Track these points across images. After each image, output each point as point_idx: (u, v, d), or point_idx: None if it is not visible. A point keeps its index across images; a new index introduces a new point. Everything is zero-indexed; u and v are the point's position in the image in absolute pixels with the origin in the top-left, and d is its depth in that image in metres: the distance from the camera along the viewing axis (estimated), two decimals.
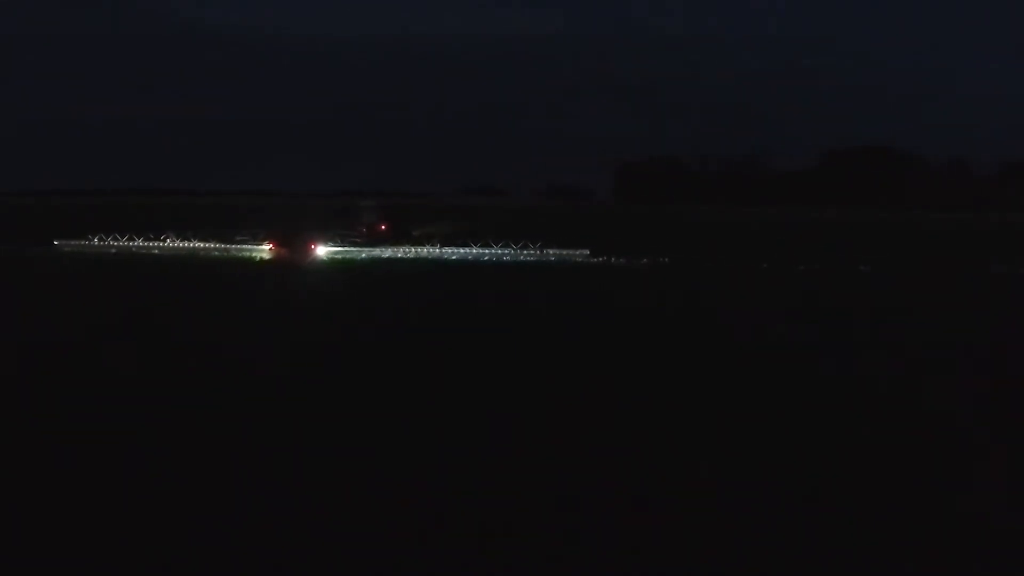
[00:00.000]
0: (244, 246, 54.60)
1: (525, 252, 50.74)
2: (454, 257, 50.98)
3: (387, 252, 52.29)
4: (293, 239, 53.46)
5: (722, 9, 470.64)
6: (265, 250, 53.30)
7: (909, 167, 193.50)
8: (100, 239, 55.91)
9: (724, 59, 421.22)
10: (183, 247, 55.06)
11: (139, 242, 55.71)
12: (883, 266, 48.19)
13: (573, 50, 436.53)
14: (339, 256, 51.67)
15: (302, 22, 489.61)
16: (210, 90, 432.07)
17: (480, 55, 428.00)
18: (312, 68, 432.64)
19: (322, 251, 52.51)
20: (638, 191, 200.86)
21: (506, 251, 50.83)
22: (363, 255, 51.85)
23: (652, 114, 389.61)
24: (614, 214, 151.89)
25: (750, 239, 79.18)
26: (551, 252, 50.62)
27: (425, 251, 51.74)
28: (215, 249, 54.34)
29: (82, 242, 56.09)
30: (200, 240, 56.00)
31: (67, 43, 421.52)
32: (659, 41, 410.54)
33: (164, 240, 55.89)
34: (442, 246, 51.78)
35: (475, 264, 47.64)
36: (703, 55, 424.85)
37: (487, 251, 51.08)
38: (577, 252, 50.97)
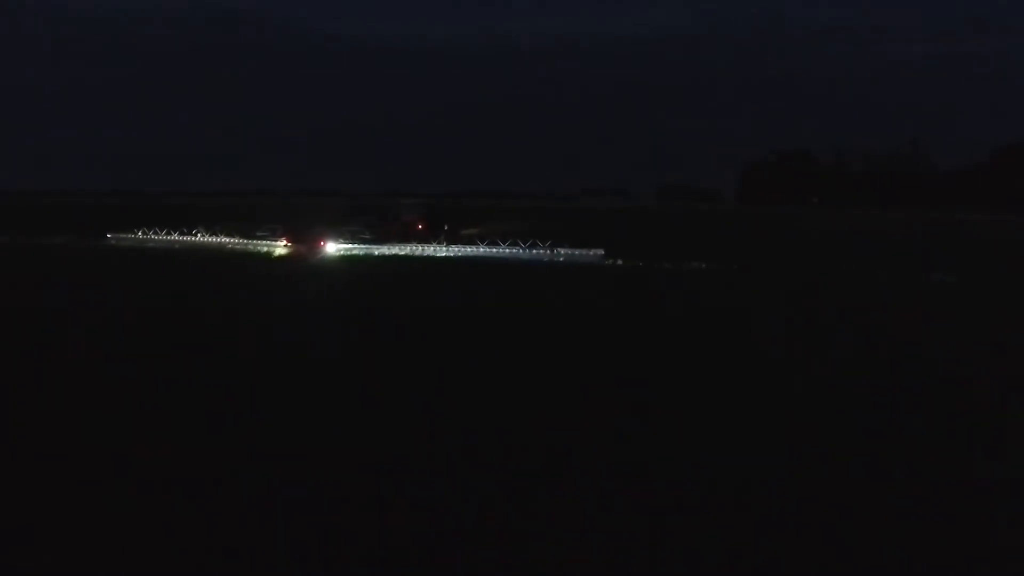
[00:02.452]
0: (263, 242, 54.98)
1: (554, 252, 46.43)
2: (468, 255, 47.67)
3: (405, 250, 49.75)
4: (304, 236, 53.32)
5: None
6: (281, 246, 53.48)
7: None
8: (144, 233, 59.76)
9: (865, 49, 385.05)
10: (209, 242, 57.00)
11: (175, 237, 58.68)
12: None
13: (702, 47, 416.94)
14: (347, 254, 49.79)
15: (412, 25, 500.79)
16: (324, 93, 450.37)
17: (605, 54, 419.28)
18: (429, 69, 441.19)
19: (332, 248, 51.06)
20: (766, 191, 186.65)
21: (535, 251, 46.87)
22: (375, 253, 49.76)
23: (785, 110, 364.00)
24: (731, 214, 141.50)
25: (890, 244, 67.86)
26: (575, 252, 46.10)
27: (446, 250, 48.83)
28: (236, 244, 55.57)
29: (130, 236, 59.99)
30: (225, 236, 56.95)
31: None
32: (792, 32, 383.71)
33: (195, 235, 58.26)
34: (480, 245, 48.53)
35: (483, 263, 44.02)
36: (840, 45, 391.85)
37: (512, 250, 47.47)
38: (591, 252, 45.96)
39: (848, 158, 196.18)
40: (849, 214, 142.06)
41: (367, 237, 53.14)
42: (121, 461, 10.75)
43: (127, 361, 17.25)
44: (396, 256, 48.28)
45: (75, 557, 7.98)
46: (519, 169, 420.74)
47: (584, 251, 46.16)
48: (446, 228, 63.12)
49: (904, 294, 32.11)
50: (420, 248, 49.73)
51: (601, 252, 45.76)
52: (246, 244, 55.00)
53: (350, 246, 51.60)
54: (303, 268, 42.63)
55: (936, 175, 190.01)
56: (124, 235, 60.42)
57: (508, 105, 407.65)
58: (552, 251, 46.57)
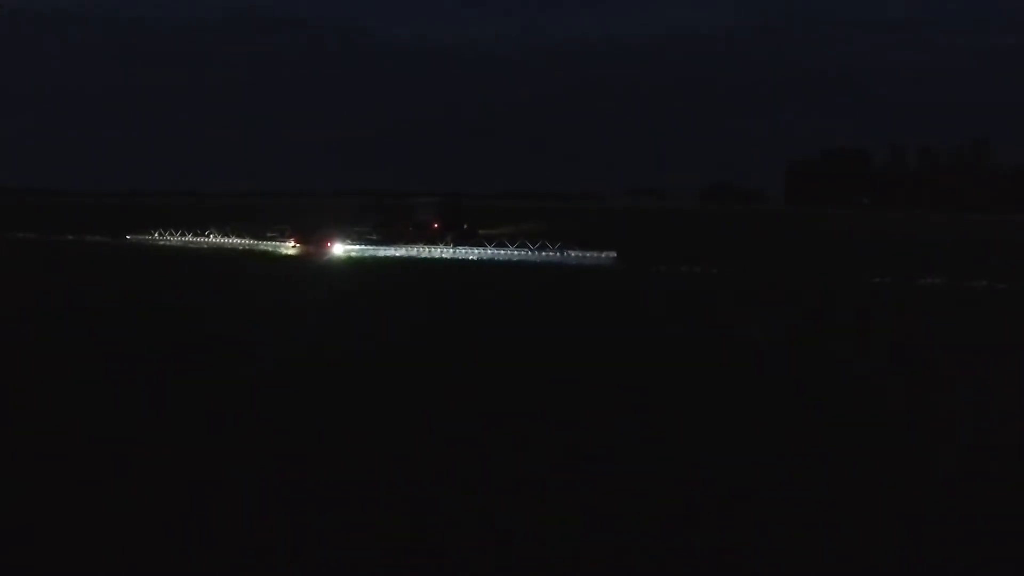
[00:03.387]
0: (273, 243, 54.00)
1: (563, 255, 44.19)
2: (472, 258, 45.66)
3: (412, 251, 47.95)
4: (312, 237, 52.07)
5: None
6: (289, 246, 52.50)
7: None
8: (159, 234, 59.73)
9: (923, 43, 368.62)
10: (221, 242, 56.32)
11: (188, 237, 58.22)
12: None
13: (747, 44, 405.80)
14: (351, 256, 48.19)
15: (454, 29, 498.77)
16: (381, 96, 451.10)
17: (650, 52, 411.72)
18: (473, 70, 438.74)
19: (338, 249, 49.63)
20: (813, 191, 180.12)
21: (544, 253, 44.60)
22: (380, 254, 48.16)
23: (836, 108, 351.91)
24: (770, 215, 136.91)
25: (943, 248, 63.05)
26: (585, 255, 43.72)
27: (453, 251, 46.97)
28: (245, 244, 54.73)
29: (146, 237, 60.07)
30: (236, 236, 56.18)
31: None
32: (841, 27, 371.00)
33: (207, 236, 57.79)
34: (487, 247, 46.55)
35: (482, 266, 41.97)
36: (895, 39, 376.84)
37: (520, 252, 45.27)
38: (602, 255, 43.57)
39: (904, 156, 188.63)
40: (902, 215, 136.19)
41: (373, 238, 51.66)
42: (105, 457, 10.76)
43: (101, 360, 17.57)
44: (397, 258, 46.30)
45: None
46: (562, 169, 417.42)
47: (596, 254, 43.77)
48: (465, 227, 61.21)
49: (928, 301, 28.93)
50: (427, 249, 47.87)
51: (613, 255, 43.33)
52: (255, 245, 54.18)
53: (356, 247, 50.03)
54: (300, 271, 41.18)
55: (1001, 173, 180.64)
56: (142, 236, 60.27)
57: (551, 105, 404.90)
58: (562, 253, 44.31)
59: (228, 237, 56.44)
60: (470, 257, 45.80)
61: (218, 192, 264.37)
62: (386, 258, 46.36)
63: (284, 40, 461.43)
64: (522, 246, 45.43)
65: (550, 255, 44.31)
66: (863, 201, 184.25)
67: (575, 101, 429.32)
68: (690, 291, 31.12)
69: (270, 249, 52.32)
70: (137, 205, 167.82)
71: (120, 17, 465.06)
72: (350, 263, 43.86)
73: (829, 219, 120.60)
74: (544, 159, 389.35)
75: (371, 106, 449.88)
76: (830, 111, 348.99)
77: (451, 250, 47.13)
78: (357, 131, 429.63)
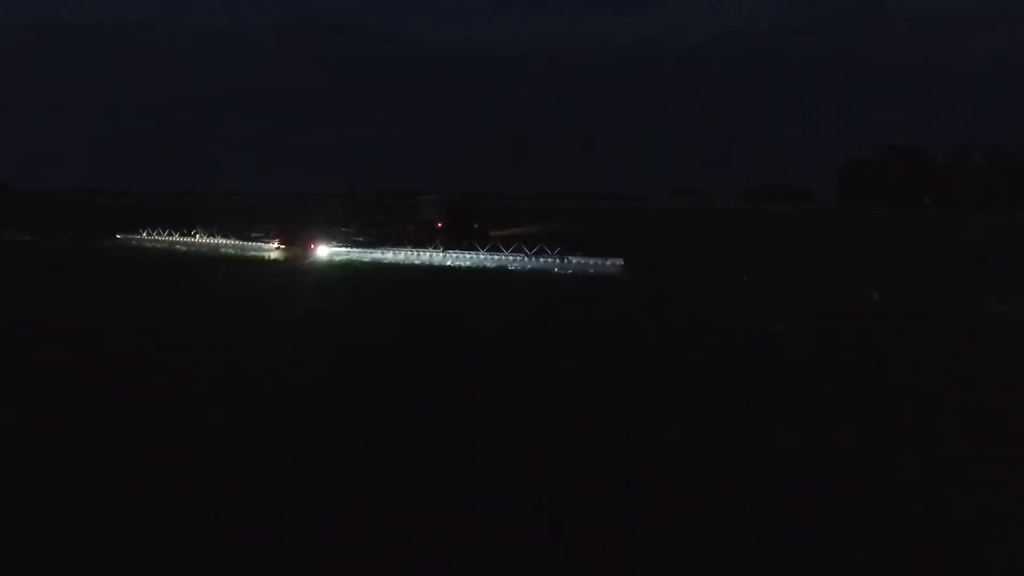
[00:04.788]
0: (257, 243, 50.11)
1: (564, 261, 38.61)
2: (460, 264, 40.67)
3: (399, 255, 43.16)
4: (295, 238, 47.95)
5: None
6: (272, 248, 48.40)
7: None
8: (147, 234, 57.02)
9: (991, 36, 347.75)
10: (205, 243, 52.90)
11: (174, 237, 55.16)
12: None
13: (800, 39, 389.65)
14: (334, 259, 43.65)
15: (497, 28, 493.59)
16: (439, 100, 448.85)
17: (701, 50, 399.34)
18: (516, 71, 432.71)
19: (323, 252, 45.15)
20: (869, 191, 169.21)
21: (543, 259, 38.97)
22: (366, 259, 43.55)
23: (888, 106, 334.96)
24: (816, 216, 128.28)
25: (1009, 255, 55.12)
26: (588, 262, 38.12)
27: (442, 255, 41.95)
28: (230, 246, 51.11)
29: (135, 236, 57.66)
30: (221, 237, 52.60)
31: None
32: (896, 20, 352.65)
33: (193, 236, 54.72)
34: (480, 252, 41.52)
35: (466, 274, 36.87)
36: (954, 32, 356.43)
37: (516, 258, 39.91)
38: (607, 262, 37.91)
39: (969, 154, 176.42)
40: (966, 217, 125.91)
41: (360, 240, 47.15)
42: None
43: None
44: (373, 263, 41.57)
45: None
46: (609, 169, 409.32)
47: (600, 261, 38.13)
48: (476, 227, 56.86)
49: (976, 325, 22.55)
50: (415, 253, 43.03)
51: (620, 262, 37.63)
52: (239, 245, 50.43)
53: (342, 249, 45.52)
54: (266, 276, 36.62)
55: None
56: (130, 235, 58.23)
57: (599, 105, 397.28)
58: (562, 260, 38.83)
59: (213, 237, 52.90)
60: (447, 263, 40.76)
61: (265, 192, 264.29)
62: (361, 263, 41.56)
63: (333, 43, 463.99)
64: (518, 250, 40.13)
65: (547, 261, 38.93)
66: (924, 201, 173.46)
67: (623, 100, 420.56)
68: (700, 315, 25.25)
69: (242, 251, 48.49)
70: (187, 205, 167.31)
71: (187, 24, 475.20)
72: (316, 269, 39.07)
73: (886, 221, 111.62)
74: (591, 160, 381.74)
75: (418, 107, 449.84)
76: (887, 108, 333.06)
77: (440, 254, 42.14)
78: (403, 132, 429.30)
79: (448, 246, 42.96)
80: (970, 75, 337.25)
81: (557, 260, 38.90)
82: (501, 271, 37.87)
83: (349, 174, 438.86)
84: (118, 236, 58.62)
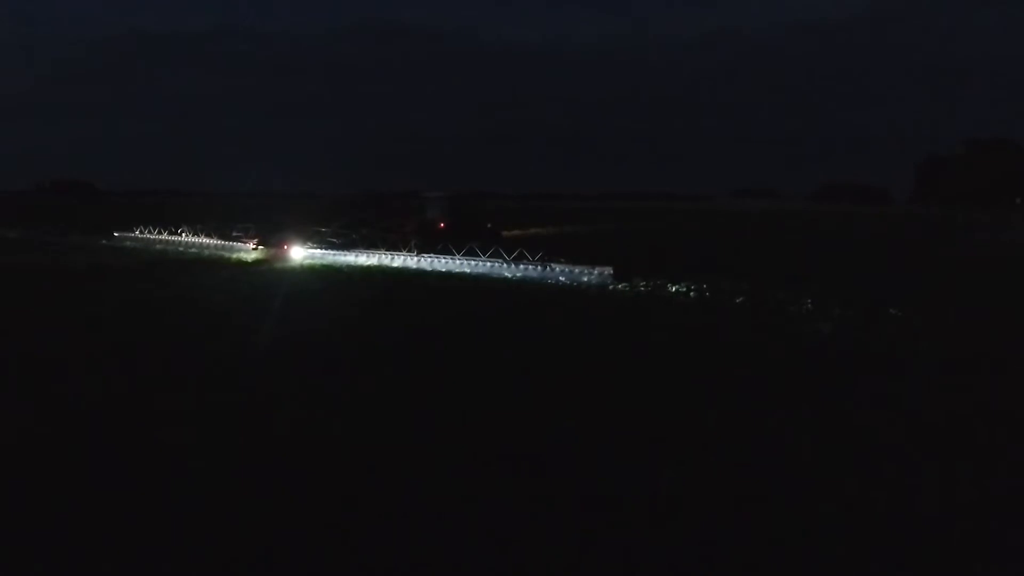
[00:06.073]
0: (237, 243, 46.84)
1: (546, 268, 33.43)
2: (425, 268, 36.29)
3: (373, 258, 39.19)
4: (271, 239, 44.49)
5: None
6: (250, 248, 44.98)
7: None
8: (142, 231, 55.93)
9: None
10: (191, 240, 50.82)
11: (164, 235, 53.69)
12: None
13: (869, 31, 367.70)
14: (304, 262, 39.79)
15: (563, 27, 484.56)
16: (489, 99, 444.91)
17: (767, 44, 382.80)
18: (592, 69, 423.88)
19: (297, 253, 41.41)
20: (949, 189, 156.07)
21: (522, 266, 33.92)
22: (340, 260, 39.82)
23: (967, 102, 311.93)
24: (885, 218, 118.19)
25: None
26: (574, 270, 32.83)
27: (416, 259, 37.53)
28: (211, 244, 48.57)
29: (130, 234, 56.74)
30: (204, 235, 49.91)
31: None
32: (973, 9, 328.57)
33: (180, 234, 52.83)
34: (456, 256, 36.82)
35: (426, 279, 32.13)
36: None
37: (491, 263, 35.10)
38: (596, 271, 32.48)
39: None
40: None
41: (335, 241, 43.19)
42: None
43: None
44: (350, 265, 37.74)
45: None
46: (672, 168, 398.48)
47: (588, 269, 32.71)
48: (488, 226, 52.85)
49: None
50: (389, 257, 38.69)
51: (609, 271, 32.08)
52: (219, 244, 47.58)
53: (316, 251, 41.58)
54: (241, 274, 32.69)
55: None
56: (127, 233, 57.09)
57: (659, 103, 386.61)
58: (544, 267, 33.61)
59: (197, 236, 50.09)
60: (414, 266, 36.62)
61: (330, 193, 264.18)
62: (326, 266, 37.41)
63: (395, 46, 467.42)
64: (495, 255, 35.03)
65: (527, 268, 33.73)
66: (1015, 201, 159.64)
67: (692, 97, 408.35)
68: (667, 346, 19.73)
69: (219, 251, 45.25)
70: (238, 204, 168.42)
71: (256, 33, 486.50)
72: (274, 273, 34.95)
73: (965, 223, 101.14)
74: (656, 158, 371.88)
75: (481, 107, 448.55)
76: (967, 104, 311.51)
77: (415, 258, 37.55)
78: (465, 132, 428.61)
79: (447, 248, 38.12)
80: None
81: (538, 267, 33.71)
82: (436, 274, 33.18)
83: (401, 175, 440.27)
84: (115, 234, 57.77)
